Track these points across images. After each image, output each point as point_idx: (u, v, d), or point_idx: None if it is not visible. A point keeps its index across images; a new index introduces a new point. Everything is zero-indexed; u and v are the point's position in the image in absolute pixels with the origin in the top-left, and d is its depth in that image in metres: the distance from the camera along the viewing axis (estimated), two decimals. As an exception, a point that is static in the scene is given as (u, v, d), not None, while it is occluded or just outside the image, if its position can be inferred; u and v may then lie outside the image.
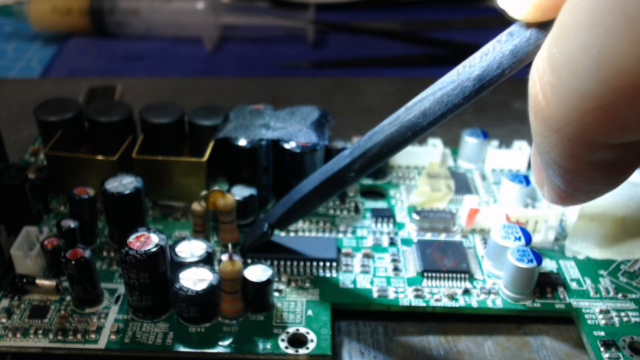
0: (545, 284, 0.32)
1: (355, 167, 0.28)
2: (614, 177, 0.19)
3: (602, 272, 0.34)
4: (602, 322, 0.31)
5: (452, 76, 0.24)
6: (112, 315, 0.30)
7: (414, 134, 0.25)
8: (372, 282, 0.33)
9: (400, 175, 0.41)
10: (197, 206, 0.34)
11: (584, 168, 0.19)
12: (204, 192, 0.34)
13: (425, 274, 0.33)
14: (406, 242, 0.36)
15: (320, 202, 0.31)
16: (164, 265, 0.29)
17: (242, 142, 0.36)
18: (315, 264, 0.33)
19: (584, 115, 0.17)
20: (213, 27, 0.63)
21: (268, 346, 0.29)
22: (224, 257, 0.30)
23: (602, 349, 0.29)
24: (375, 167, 0.28)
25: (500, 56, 0.22)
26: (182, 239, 0.32)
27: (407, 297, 0.32)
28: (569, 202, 0.21)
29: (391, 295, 0.32)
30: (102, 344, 0.29)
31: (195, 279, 0.29)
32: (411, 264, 0.34)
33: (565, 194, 0.21)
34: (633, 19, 0.15)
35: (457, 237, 0.36)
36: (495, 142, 0.42)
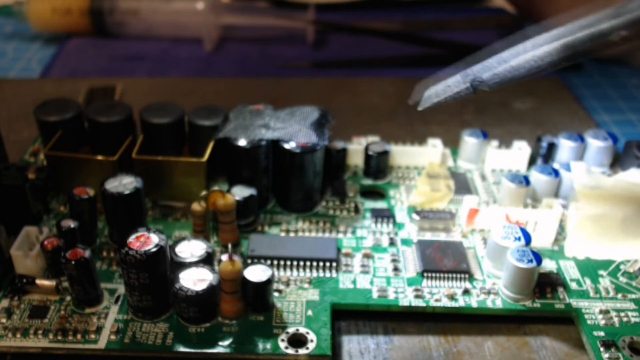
0: (545, 284, 0.32)
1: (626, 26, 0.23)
2: None
3: (602, 272, 0.34)
4: (602, 322, 0.31)
5: None
6: (112, 315, 0.30)
7: None
8: (372, 282, 0.33)
9: (400, 176, 0.41)
10: (197, 206, 0.34)
11: None
12: (204, 192, 0.34)
13: (425, 274, 0.33)
14: (406, 242, 0.36)
15: (558, 62, 0.25)
16: (164, 265, 0.29)
17: (242, 142, 0.36)
18: (315, 264, 0.33)
19: None
20: (213, 27, 0.63)
21: (268, 346, 0.29)
22: (224, 257, 0.30)
23: (602, 349, 0.29)
24: None
25: None
26: (182, 239, 0.32)
27: (407, 297, 0.32)
28: None
29: (391, 295, 0.32)
30: (102, 344, 0.29)
31: (195, 279, 0.29)
32: (411, 264, 0.34)
33: None
34: None
35: (457, 237, 0.36)
36: (495, 142, 0.42)
